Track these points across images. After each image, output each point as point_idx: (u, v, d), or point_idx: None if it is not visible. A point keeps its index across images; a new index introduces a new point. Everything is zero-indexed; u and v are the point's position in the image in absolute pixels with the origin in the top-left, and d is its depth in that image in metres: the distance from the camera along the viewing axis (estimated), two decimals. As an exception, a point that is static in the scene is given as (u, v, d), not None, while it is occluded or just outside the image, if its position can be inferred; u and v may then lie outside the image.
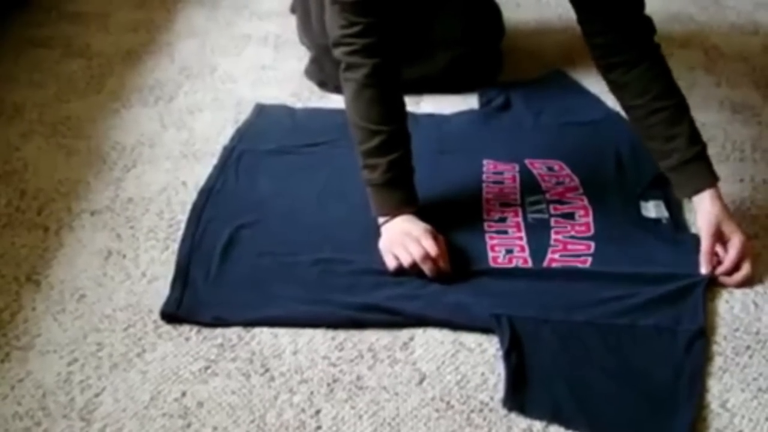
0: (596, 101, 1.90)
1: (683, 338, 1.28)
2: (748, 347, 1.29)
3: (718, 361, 1.26)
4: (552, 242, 1.48)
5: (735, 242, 1.42)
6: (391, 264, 1.41)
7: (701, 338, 1.29)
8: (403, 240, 1.42)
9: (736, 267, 1.41)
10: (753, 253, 1.43)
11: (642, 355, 1.26)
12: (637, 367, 1.24)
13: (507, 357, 1.25)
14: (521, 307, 1.33)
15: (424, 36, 1.90)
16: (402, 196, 1.49)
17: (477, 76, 1.99)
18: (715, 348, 1.28)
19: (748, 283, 1.40)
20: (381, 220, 1.48)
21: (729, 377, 1.24)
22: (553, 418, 1.18)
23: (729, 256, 1.41)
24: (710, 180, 1.46)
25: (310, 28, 2.00)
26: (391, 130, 1.48)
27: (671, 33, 2.23)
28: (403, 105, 1.52)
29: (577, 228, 1.51)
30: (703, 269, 1.41)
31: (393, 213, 1.48)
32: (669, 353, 1.26)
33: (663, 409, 1.17)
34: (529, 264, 1.44)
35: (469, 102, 1.93)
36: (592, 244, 1.47)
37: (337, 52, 1.52)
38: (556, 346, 1.27)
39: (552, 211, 1.55)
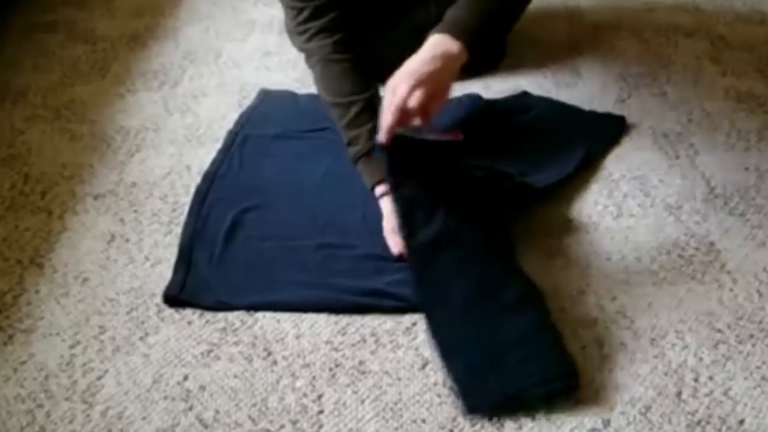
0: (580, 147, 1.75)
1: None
2: (752, 336, 1.29)
3: (721, 349, 1.26)
4: None
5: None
6: (394, 249, 1.41)
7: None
8: None
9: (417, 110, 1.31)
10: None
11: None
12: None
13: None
14: None
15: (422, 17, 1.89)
16: None
17: (479, 60, 1.97)
18: (718, 336, 1.28)
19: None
20: (378, 192, 1.47)
21: (732, 365, 1.23)
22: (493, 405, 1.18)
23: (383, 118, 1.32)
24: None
25: None
26: (366, 98, 1.47)
27: (677, 22, 2.22)
28: (371, 76, 1.51)
29: None
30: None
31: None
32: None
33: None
34: None
35: (471, 88, 1.92)
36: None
37: (297, 44, 1.54)
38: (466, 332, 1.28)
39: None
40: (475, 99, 1.84)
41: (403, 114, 1.31)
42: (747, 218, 1.51)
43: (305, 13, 1.57)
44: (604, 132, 1.75)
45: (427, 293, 1.31)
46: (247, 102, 1.88)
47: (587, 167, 1.65)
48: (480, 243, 1.38)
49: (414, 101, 1.30)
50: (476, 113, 1.78)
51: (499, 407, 1.17)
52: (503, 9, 1.45)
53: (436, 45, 1.36)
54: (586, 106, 1.85)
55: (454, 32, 1.37)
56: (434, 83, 1.32)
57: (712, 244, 1.46)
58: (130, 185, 1.63)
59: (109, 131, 1.80)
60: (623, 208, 1.55)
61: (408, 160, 1.36)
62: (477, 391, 1.18)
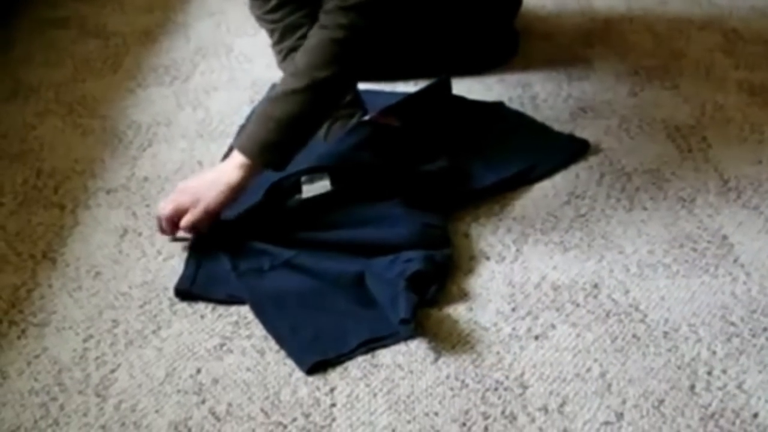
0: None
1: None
2: (766, 329, 1.28)
3: (735, 343, 1.25)
4: None
5: None
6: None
7: None
8: None
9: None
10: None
11: None
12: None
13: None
14: None
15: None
16: None
17: (491, 55, 1.97)
18: (732, 329, 1.28)
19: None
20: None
21: (746, 359, 1.23)
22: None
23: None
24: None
25: None
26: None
27: (690, 15, 2.21)
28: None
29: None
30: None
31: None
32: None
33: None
34: None
35: (484, 82, 1.92)
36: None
37: (276, 63, 1.69)
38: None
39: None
40: (441, 82, 1.78)
41: (159, 221, 1.43)
42: (760, 211, 1.51)
43: (276, 35, 1.65)
44: (557, 152, 1.67)
45: (260, 305, 1.33)
46: (259, 97, 1.88)
47: (531, 180, 1.60)
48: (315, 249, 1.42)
49: (163, 212, 1.42)
50: (439, 107, 1.75)
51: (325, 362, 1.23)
52: (313, 111, 1.45)
53: (229, 158, 1.44)
54: (599, 99, 1.85)
55: (240, 147, 1.43)
56: (192, 198, 1.40)
57: (725, 237, 1.45)
58: (142, 180, 1.63)
59: (120, 126, 1.80)
60: (636, 201, 1.55)
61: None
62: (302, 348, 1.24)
